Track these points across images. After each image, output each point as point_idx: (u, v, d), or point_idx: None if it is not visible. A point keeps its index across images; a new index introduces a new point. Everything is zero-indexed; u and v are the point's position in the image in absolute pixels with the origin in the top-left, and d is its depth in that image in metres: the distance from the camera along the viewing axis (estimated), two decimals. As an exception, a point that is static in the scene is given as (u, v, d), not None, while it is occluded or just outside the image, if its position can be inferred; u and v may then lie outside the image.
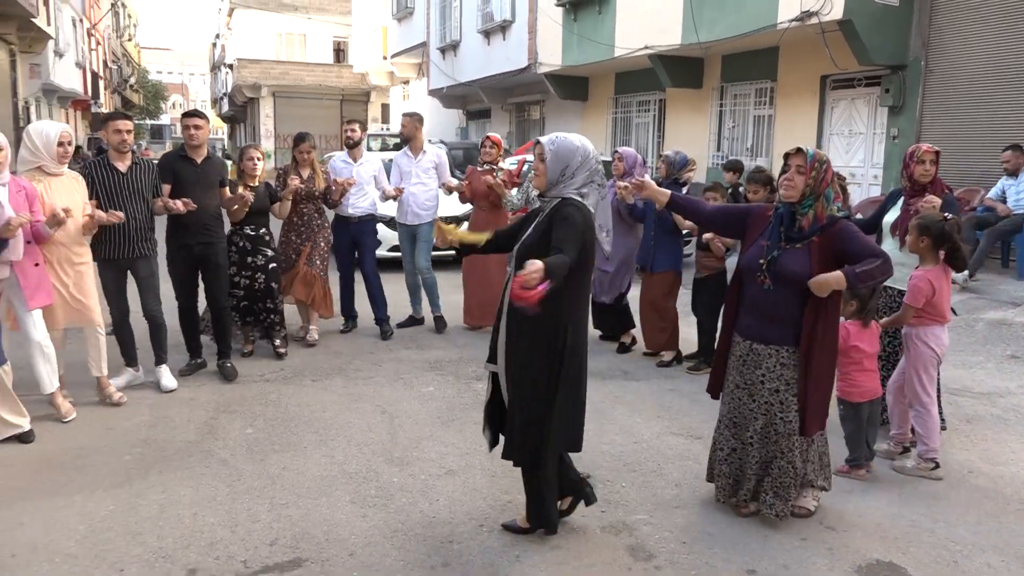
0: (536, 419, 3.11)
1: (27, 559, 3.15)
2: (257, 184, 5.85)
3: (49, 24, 21.77)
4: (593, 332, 6.39)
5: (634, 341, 6.39)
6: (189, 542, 3.31)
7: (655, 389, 5.42)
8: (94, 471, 3.98)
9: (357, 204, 6.62)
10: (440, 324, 6.98)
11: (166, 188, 5.16)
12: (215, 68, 47.83)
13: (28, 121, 22.36)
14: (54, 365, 4.54)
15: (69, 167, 4.76)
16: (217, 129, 52.41)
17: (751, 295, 3.44)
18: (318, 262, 6.33)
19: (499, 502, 3.69)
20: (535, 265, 2.62)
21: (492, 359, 3.24)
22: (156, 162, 5.33)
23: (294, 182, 5.97)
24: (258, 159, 5.89)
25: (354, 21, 30.18)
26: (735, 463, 3.58)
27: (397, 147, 15.35)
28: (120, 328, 5.10)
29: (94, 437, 4.42)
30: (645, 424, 4.74)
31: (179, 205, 4.92)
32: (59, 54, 24.36)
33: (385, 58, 25.25)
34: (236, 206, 5.53)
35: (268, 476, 3.95)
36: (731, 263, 4.65)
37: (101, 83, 34.83)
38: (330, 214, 6.59)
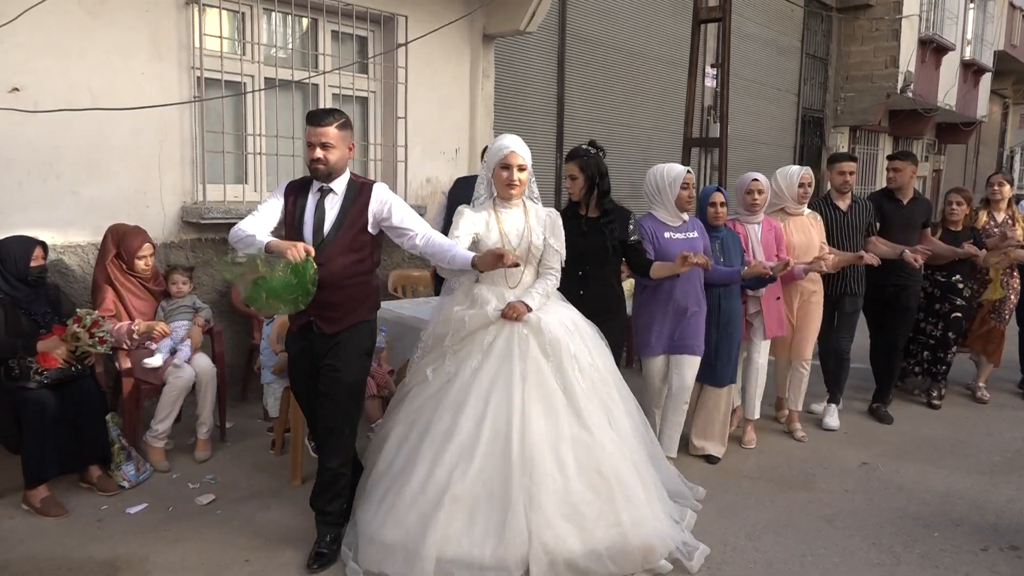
0: None
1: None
2: (959, 230, 5.70)
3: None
4: None
5: None
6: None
7: None
8: (972, 458, 4.85)
9: None
10: None
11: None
12: None
13: (1010, 170, 23.19)
14: (760, 392, 4.89)
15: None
16: None
17: None
18: (1006, 315, 5.91)
19: None
20: None
21: None
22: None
23: (1014, 233, 5.60)
24: (957, 204, 5.71)
25: None
26: None
27: None
28: (825, 360, 5.36)
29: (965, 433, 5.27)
30: None
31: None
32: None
33: None
34: (935, 252, 5.38)
35: None
36: None
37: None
38: None
